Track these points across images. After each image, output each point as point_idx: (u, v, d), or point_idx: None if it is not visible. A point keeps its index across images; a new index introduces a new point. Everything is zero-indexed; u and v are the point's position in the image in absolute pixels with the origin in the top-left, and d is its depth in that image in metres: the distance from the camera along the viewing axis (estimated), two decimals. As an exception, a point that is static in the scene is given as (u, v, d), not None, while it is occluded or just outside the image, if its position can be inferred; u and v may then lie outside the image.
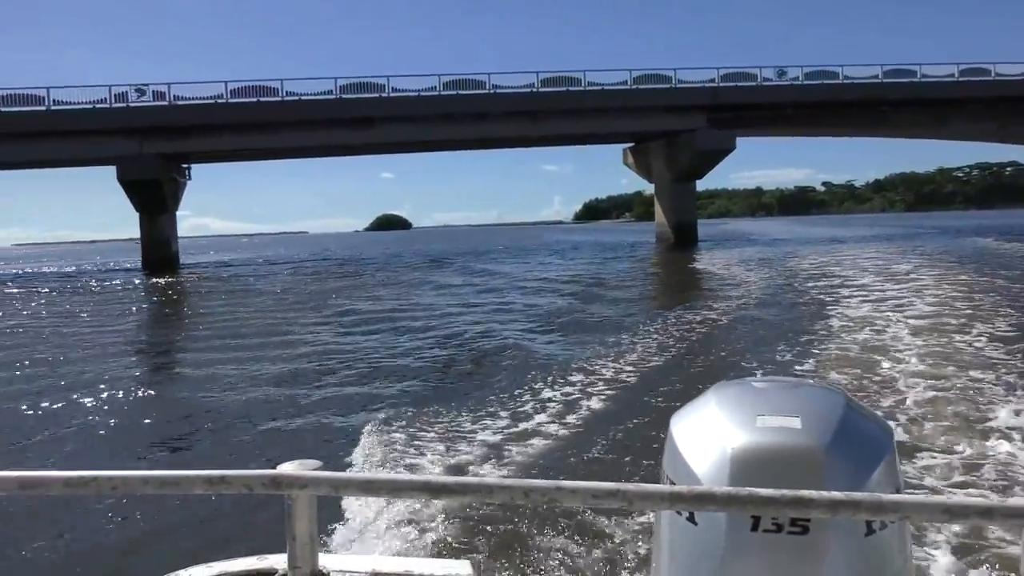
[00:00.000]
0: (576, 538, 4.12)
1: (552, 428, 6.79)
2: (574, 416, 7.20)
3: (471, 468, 5.69)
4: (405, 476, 1.21)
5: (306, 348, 12.32)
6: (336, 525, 4.32)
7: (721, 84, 40.51)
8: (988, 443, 5.63)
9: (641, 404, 7.56)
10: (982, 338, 10.04)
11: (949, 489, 4.73)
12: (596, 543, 4.05)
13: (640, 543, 3.96)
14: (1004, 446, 5.53)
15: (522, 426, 6.87)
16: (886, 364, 8.65)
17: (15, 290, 30.33)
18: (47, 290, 29.58)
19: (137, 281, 32.41)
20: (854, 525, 1.48)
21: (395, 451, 6.16)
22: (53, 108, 36.26)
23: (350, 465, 5.81)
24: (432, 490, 1.13)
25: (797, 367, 8.99)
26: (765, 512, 1.41)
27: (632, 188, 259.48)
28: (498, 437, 6.51)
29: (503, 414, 7.28)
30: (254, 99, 37.69)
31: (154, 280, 31.88)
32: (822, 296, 16.06)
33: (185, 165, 41.82)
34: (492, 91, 39.15)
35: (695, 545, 1.59)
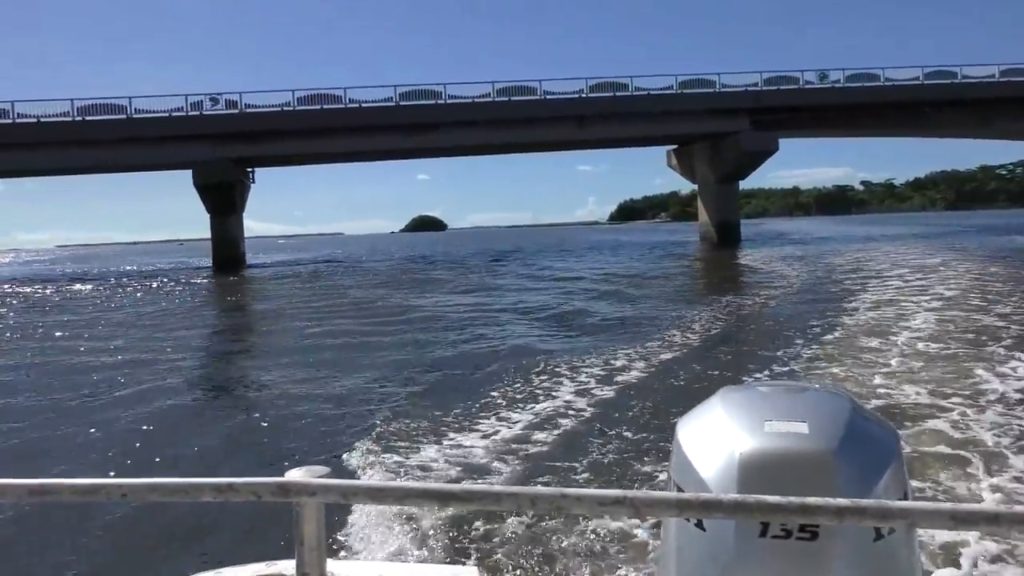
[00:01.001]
0: (583, 543, 4.11)
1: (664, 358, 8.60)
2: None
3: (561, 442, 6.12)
4: (413, 484, 1.18)
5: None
6: (344, 530, 4.34)
7: (764, 88, 41.82)
8: (998, 442, 5.62)
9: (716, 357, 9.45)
10: (997, 328, 10.71)
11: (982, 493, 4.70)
12: (603, 548, 4.04)
13: (648, 548, 3.96)
14: (1012, 445, 5.53)
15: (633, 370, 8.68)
16: (900, 337, 10.43)
17: (100, 287, 32.93)
18: (154, 285, 32.08)
19: (231, 278, 34.81)
20: (863, 531, 1.49)
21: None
22: (134, 116, 38.91)
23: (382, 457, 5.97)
24: (440, 498, 1.12)
25: (828, 336, 10.94)
26: (772, 519, 1.41)
27: (667, 188, 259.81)
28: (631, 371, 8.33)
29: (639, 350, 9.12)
30: (318, 107, 39.99)
31: (228, 277, 34.30)
32: (852, 285, 18.21)
33: (249, 169, 44.31)
34: (543, 97, 40.98)
35: (703, 551, 1.60)
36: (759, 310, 15.04)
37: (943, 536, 3.79)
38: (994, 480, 4.91)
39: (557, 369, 9.25)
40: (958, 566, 3.69)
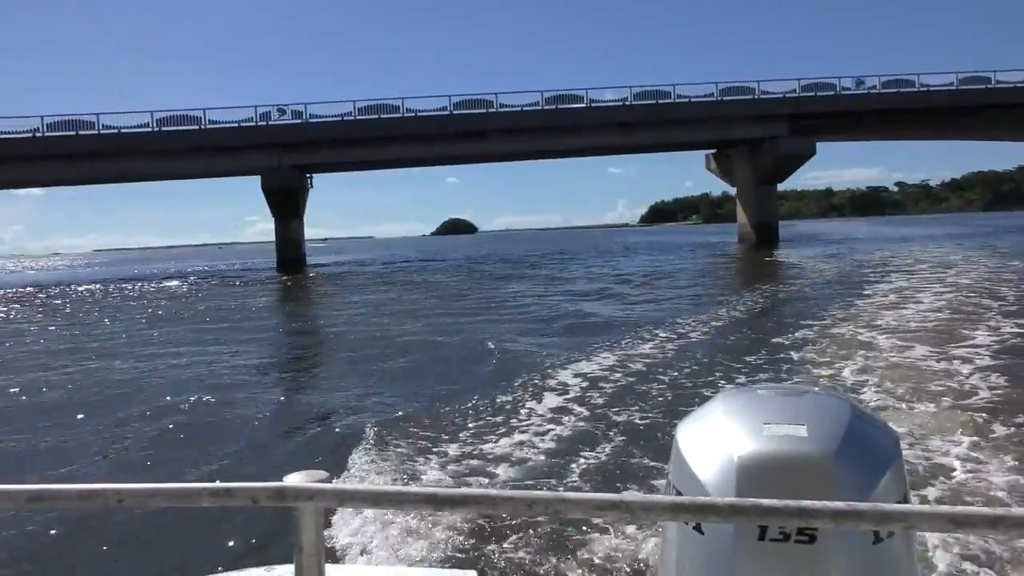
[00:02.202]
0: (583, 547, 4.11)
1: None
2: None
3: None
4: (411, 488, 1.16)
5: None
6: (343, 534, 4.35)
7: (802, 94, 43.43)
8: (997, 444, 5.66)
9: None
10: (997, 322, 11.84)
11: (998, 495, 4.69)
12: (602, 551, 4.05)
13: (647, 551, 3.97)
14: (1011, 449, 5.54)
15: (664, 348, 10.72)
16: (902, 311, 13.23)
17: (191, 284, 35.65)
18: (237, 283, 34.70)
19: (311, 275, 37.37)
20: (862, 534, 1.49)
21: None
22: (207, 127, 41.68)
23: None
24: (437, 502, 1.12)
25: (842, 312, 13.61)
26: (769, 522, 1.42)
27: (697, 190, 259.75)
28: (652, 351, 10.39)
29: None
30: (376, 116, 42.43)
31: (299, 275, 36.84)
32: (872, 275, 21.60)
33: (309, 175, 46.92)
34: (589, 105, 43.05)
35: (702, 554, 1.62)
36: (796, 294, 18.30)
37: (944, 538, 3.78)
38: (998, 479, 4.95)
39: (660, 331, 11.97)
40: (958, 568, 3.68)
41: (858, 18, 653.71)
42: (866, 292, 17.06)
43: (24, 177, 41.87)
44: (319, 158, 42.83)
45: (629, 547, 4.06)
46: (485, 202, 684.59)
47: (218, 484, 1.18)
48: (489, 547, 4.20)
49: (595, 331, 12.90)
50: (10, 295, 33.41)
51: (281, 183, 42.16)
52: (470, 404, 7.82)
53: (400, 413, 7.58)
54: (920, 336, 10.73)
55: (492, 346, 11.64)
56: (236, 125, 42.09)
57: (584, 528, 4.24)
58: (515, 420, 7.20)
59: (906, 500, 1.65)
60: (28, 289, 37.89)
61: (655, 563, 3.60)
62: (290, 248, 45.38)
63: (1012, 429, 6.05)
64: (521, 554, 4.13)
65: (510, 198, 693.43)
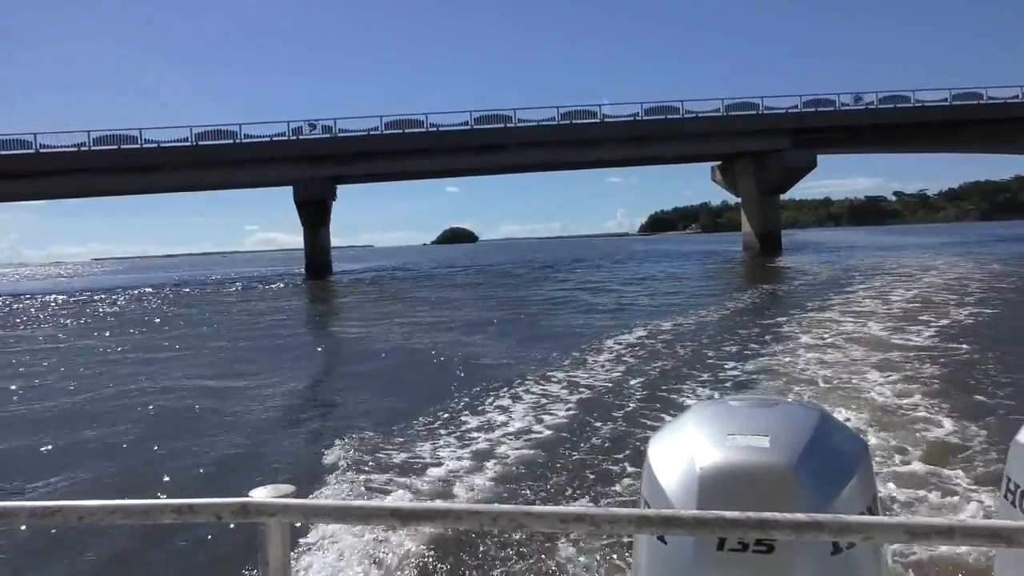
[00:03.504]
0: (554, 559, 4.14)
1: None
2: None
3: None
4: (375, 503, 1.16)
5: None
6: (310, 548, 4.32)
7: (804, 110, 45.99)
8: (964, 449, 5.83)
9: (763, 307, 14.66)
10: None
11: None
12: (573, 563, 4.08)
13: (617, 562, 4.01)
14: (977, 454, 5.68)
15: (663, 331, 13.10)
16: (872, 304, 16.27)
17: (237, 288, 38.03)
18: (280, 286, 37.06)
19: (345, 280, 39.72)
20: (820, 544, 1.51)
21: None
22: (243, 141, 44.13)
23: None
24: (401, 517, 1.11)
25: (826, 302, 16.97)
26: (731, 534, 1.38)
27: (696, 200, 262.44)
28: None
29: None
30: (401, 131, 44.90)
31: (313, 282, 39.23)
32: (860, 276, 24.95)
33: (334, 187, 49.30)
34: (603, 120, 45.60)
35: (665, 564, 1.65)
36: (792, 289, 22.23)
37: (905, 548, 3.78)
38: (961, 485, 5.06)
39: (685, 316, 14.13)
40: None
41: (858, 18, 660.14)
42: (848, 289, 20.58)
43: (71, 189, 44.22)
44: (347, 170, 45.26)
45: (601, 557, 4.08)
46: (484, 211, 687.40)
47: (181, 500, 1.16)
48: (461, 563, 4.19)
49: (660, 315, 16.36)
50: (78, 300, 35.71)
51: (312, 194, 44.64)
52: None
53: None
54: (880, 318, 13.81)
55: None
56: (269, 139, 44.56)
57: (562, 543, 4.23)
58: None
59: (874, 507, 1.66)
60: (89, 295, 40.15)
61: (626, 573, 3.70)
62: (319, 255, 47.76)
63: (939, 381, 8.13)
64: (490, 565, 4.15)
65: (509, 207, 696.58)
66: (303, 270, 48.53)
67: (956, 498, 4.79)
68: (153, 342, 15.97)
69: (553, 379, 9.53)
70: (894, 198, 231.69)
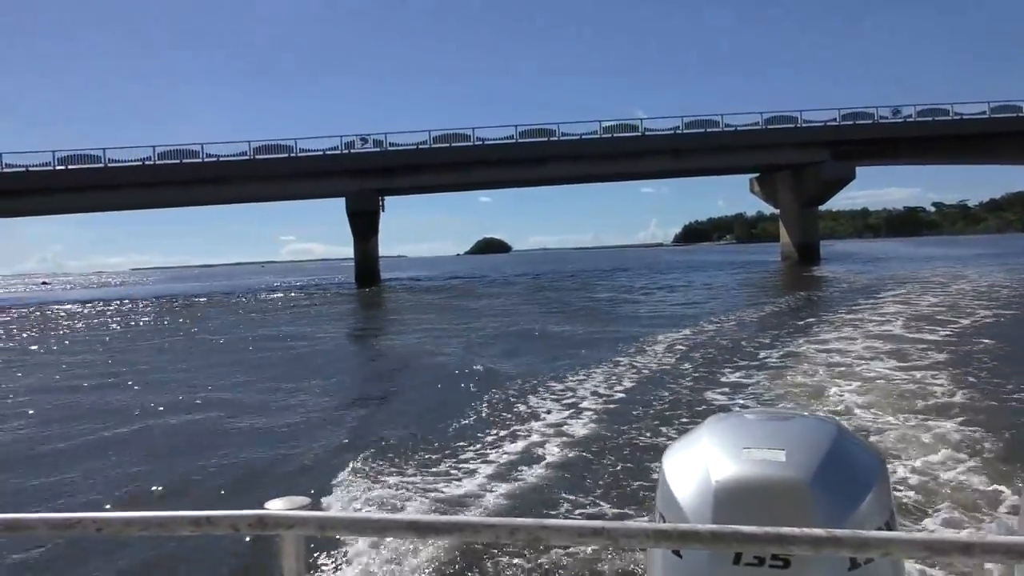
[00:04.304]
0: (570, 569, 4.18)
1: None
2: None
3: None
4: (391, 516, 1.16)
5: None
6: (325, 559, 4.39)
7: (842, 123, 46.86)
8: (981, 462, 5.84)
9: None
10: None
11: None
12: (590, 573, 4.14)
13: (633, 570, 4.07)
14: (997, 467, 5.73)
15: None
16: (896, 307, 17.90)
17: (302, 295, 40.01)
18: (337, 291, 38.92)
19: (397, 290, 41.54)
20: (837, 560, 1.50)
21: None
22: (298, 155, 46.24)
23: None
24: (418, 529, 1.12)
25: (855, 305, 18.67)
26: (748, 549, 1.42)
27: (731, 210, 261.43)
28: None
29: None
30: (448, 144, 46.67)
31: (364, 289, 41.05)
32: (891, 285, 26.41)
33: (381, 198, 51.25)
34: (643, 133, 46.92)
35: None
36: (828, 295, 23.95)
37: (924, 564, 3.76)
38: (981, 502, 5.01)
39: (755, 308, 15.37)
40: None
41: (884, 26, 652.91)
42: (880, 295, 22.22)
43: (139, 201, 46.69)
44: (396, 183, 47.13)
45: (615, 570, 4.11)
46: (515, 222, 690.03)
47: (198, 512, 1.17)
48: (472, 571, 4.24)
49: (720, 312, 18.93)
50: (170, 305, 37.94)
51: (362, 206, 46.57)
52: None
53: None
54: (906, 321, 15.30)
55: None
56: (322, 153, 46.64)
57: (572, 550, 4.30)
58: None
59: (892, 522, 1.66)
60: (166, 300, 42.47)
61: None
62: (368, 264, 49.66)
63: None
64: None
65: (540, 218, 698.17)
66: (352, 278, 50.42)
67: (973, 515, 4.78)
68: (300, 329, 20.11)
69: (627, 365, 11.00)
70: (933, 209, 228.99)
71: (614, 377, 10.32)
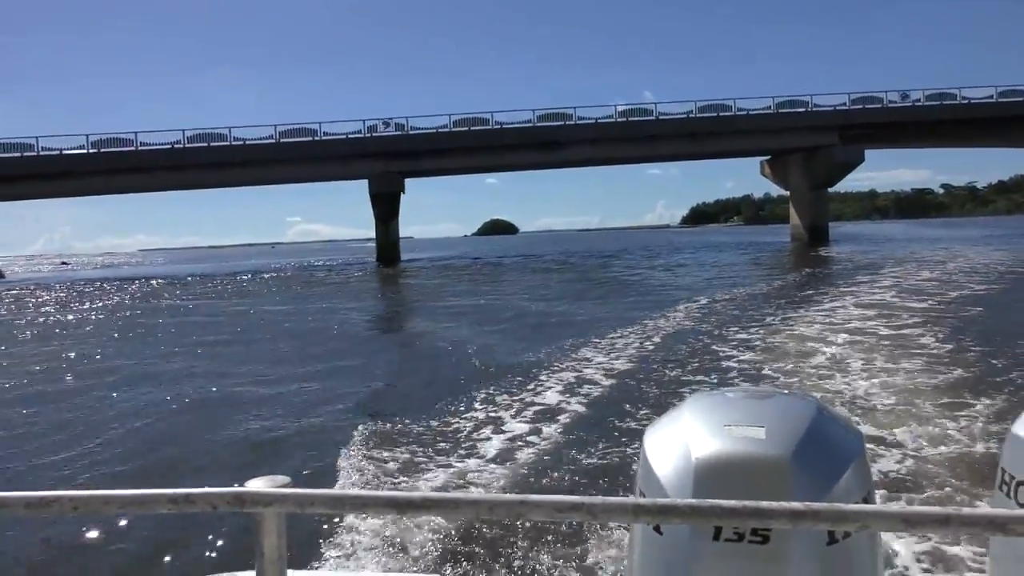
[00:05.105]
0: (553, 550, 4.21)
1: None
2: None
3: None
4: (371, 492, 1.14)
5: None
6: (310, 539, 4.44)
7: (851, 107, 48.03)
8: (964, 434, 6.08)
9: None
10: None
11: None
12: (573, 555, 4.17)
13: (615, 553, 4.11)
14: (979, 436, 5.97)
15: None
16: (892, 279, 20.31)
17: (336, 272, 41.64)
18: (358, 273, 40.57)
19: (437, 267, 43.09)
20: (815, 534, 1.53)
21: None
22: (322, 139, 47.67)
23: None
24: (398, 506, 1.12)
25: (853, 280, 20.72)
26: (727, 523, 1.42)
27: (739, 192, 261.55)
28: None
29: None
30: (468, 128, 48.01)
31: (387, 269, 42.69)
32: (891, 262, 28.69)
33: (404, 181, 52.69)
34: (658, 118, 48.18)
35: (661, 555, 1.66)
36: (832, 271, 26.59)
37: (905, 539, 3.88)
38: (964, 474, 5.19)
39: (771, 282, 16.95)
40: (929, 571, 3.79)
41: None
42: (881, 271, 24.50)
43: (169, 183, 48.29)
44: (418, 165, 48.55)
45: (599, 548, 4.17)
46: (522, 203, 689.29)
47: (176, 490, 1.16)
48: (455, 552, 4.28)
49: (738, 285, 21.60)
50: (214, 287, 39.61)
51: (385, 188, 48.05)
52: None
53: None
54: (901, 293, 17.36)
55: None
56: (345, 137, 48.05)
57: (557, 529, 4.35)
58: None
59: (869, 498, 1.68)
60: (201, 278, 44.14)
61: (624, 566, 3.65)
62: (389, 246, 51.20)
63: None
64: (490, 560, 4.20)
65: (546, 199, 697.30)
66: (369, 258, 51.96)
67: (950, 490, 4.90)
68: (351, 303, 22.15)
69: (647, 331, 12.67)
70: (942, 191, 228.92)
71: (647, 333, 12.75)
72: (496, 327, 14.94)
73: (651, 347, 11.43)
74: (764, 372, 9.27)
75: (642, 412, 7.33)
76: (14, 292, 36.21)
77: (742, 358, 10.17)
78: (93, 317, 21.06)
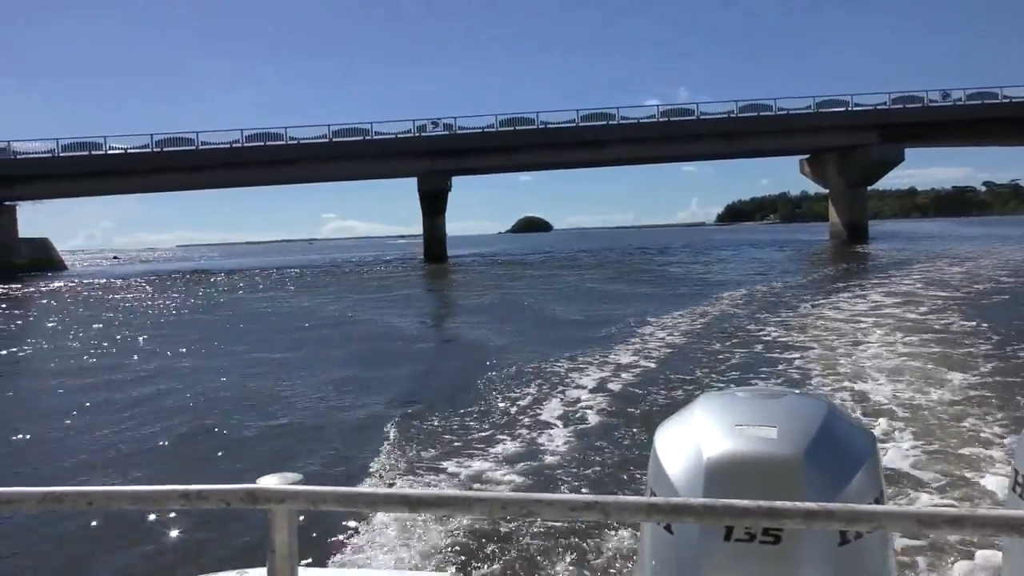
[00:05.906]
0: (563, 549, 4.22)
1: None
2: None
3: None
4: (383, 490, 1.18)
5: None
6: (320, 536, 4.44)
7: (891, 107, 48.63)
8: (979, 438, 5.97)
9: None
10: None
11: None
12: (583, 554, 4.17)
13: (626, 553, 4.11)
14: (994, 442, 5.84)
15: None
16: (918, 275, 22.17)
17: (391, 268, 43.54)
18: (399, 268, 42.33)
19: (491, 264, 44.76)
20: (827, 535, 1.51)
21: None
22: (373, 138, 49.55)
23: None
24: (410, 503, 1.12)
25: (886, 274, 22.46)
26: (740, 523, 1.40)
27: (774, 190, 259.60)
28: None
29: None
30: (513, 128, 49.53)
31: (435, 264, 44.43)
32: (924, 258, 30.68)
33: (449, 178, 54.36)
34: (699, 118, 49.28)
35: (671, 554, 1.65)
36: (868, 265, 28.90)
37: (917, 540, 3.83)
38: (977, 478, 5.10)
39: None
40: (941, 573, 3.74)
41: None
42: (915, 266, 26.69)
43: (228, 180, 50.61)
44: (464, 164, 50.18)
45: (609, 548, 4.19)
46: (554, 201, 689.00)
47: (189, 486, 1.16)
48: (467, 551, 4.30)
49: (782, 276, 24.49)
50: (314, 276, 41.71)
51: (433, 186, 49.84)
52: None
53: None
54: (930, 286, 19.07)
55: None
56: (395, 136, 49.89)
57: (567, 528, 4.37)
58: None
59: (881, 499, 1.66)
60: (265, 270, 46.31)
61: (634, 565, 3.63)
62: (435, 243, 52.90)
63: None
64: (502, 556, 4.23)
65: (578, 197, 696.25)
66: (414, 255, 53.55)
67: (964, 491, 4.87)
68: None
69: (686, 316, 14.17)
70: (983, 188, 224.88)
71: (696, 314, 15.34)
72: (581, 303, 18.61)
73: (702, 324, 13.89)
74: (809, 349, 10.70)
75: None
76: (101, 283, 38.67)
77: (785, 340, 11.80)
78: (216, 306, 23.06)
